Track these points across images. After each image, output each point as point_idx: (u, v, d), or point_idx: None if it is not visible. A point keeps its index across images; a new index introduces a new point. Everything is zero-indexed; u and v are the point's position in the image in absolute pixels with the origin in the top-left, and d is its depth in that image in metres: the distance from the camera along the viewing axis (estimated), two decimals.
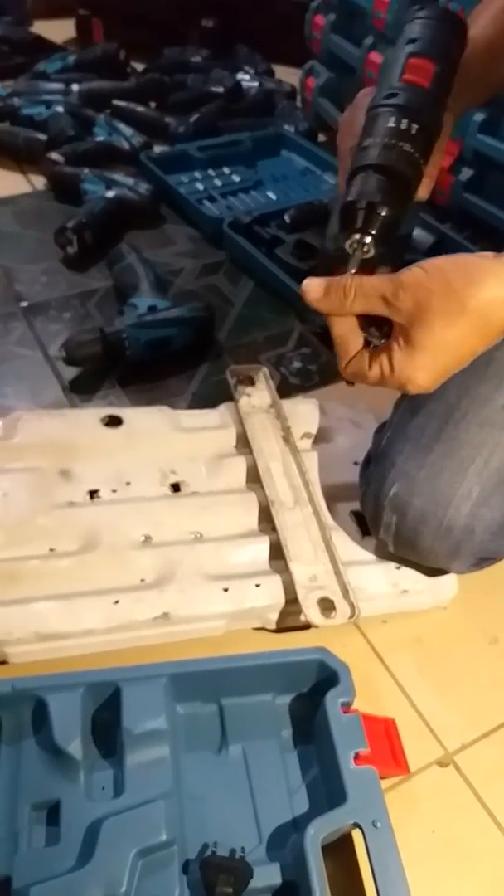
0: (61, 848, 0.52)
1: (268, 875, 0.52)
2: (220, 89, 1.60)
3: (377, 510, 0.68)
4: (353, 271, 0.52)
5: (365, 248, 0.52)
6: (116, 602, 0.65)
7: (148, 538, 0.72)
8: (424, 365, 0.51)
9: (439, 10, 0.59)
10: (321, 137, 1.57)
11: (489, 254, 0.51)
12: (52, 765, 0.56)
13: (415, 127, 0.53)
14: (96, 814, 0.53)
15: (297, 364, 1.02)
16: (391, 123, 0.53)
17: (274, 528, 0.73)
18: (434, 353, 0.51)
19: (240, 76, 1.68)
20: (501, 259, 0.49)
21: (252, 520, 0.75)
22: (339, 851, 0.55)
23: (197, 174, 1.38)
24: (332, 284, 0.52)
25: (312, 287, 0.53)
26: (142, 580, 0.68)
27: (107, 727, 0.59)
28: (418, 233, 1.20)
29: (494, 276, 0.48)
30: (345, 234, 0.52)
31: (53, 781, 0.55)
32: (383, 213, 0.52)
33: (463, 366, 0.52)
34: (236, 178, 1.39)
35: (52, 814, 0.54)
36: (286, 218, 1.20)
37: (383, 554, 0.72)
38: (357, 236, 0.52)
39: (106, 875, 0.49)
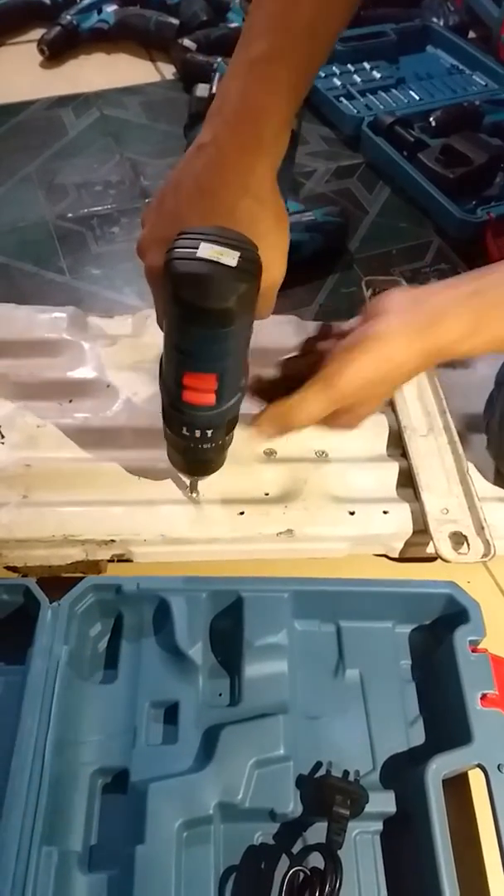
0: (178, 748, 0.52)
1: (382, 802, 0.51)
2: None
3: (500, 436, 0.65)
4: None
5: None
6: (241, 513, 0.64)
7: (272, 452, 0.69)
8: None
9: None
10: (472, 34, 1.43)
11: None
12: (172, 666, 0.56)
13: None
14: (213, 719, 0.53)
15: (433, 281, 0.95)
16: None
17: (403, 454, 0.70)
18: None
19: None
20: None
21: (381, 444, 0.71)
22: (451, 786, 0.54)
23: (335, 69, 1.28)
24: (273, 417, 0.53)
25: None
26: (266, 494, 0.66)
27: (224, 635, 0.58)
28: None
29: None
30: None
31: (172, 682, 0.55)
32: None
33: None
34: (377, 75, 1.28)
35: (169, 713, 0.55)
36: (432, 120, 1.12)
37: None
38: None
39: (223, 780, 0.50)
